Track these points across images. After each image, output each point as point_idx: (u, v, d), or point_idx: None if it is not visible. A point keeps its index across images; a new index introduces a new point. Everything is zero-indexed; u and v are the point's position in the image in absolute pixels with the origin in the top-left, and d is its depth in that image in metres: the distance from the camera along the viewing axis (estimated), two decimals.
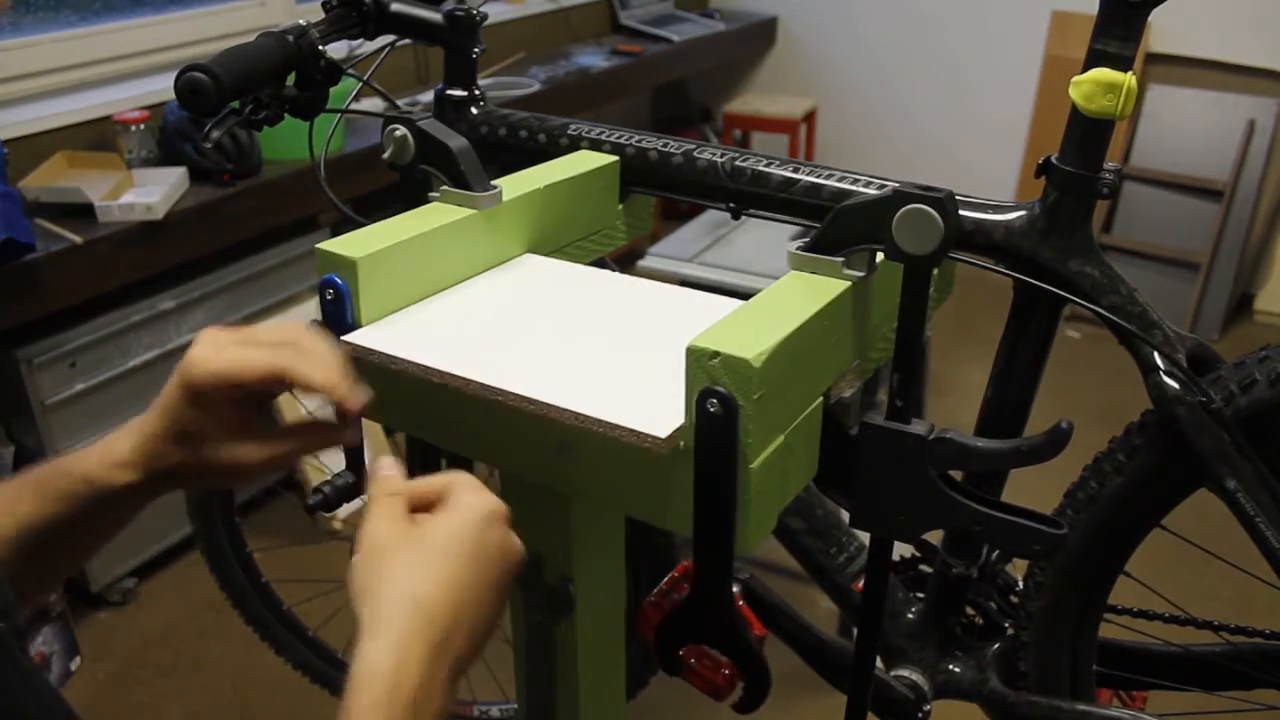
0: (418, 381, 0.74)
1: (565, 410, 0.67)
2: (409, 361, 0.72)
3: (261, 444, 0.69)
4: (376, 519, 0.59)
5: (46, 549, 0.68)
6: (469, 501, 0.60)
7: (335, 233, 1.30)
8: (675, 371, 0.64)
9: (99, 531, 0.71)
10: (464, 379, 0.70)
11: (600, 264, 1.00)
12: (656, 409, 0.65)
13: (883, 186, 0.89)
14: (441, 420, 0.78)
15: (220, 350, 0.66)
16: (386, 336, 0.75)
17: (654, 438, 0.64)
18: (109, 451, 0.68)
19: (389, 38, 1.09)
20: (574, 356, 0.74)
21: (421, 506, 0.62)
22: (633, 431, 0.64)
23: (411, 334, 0.76)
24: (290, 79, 1.00)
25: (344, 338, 0.75)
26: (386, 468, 0.63)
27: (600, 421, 0.65)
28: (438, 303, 0.83)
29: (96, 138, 2.20)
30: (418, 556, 0.57)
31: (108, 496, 0.67)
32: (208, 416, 0.66)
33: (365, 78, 1.14)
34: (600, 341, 0.77)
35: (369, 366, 0.77)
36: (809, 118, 3.88)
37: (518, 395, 0.69)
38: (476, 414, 0.74)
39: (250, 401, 0.69)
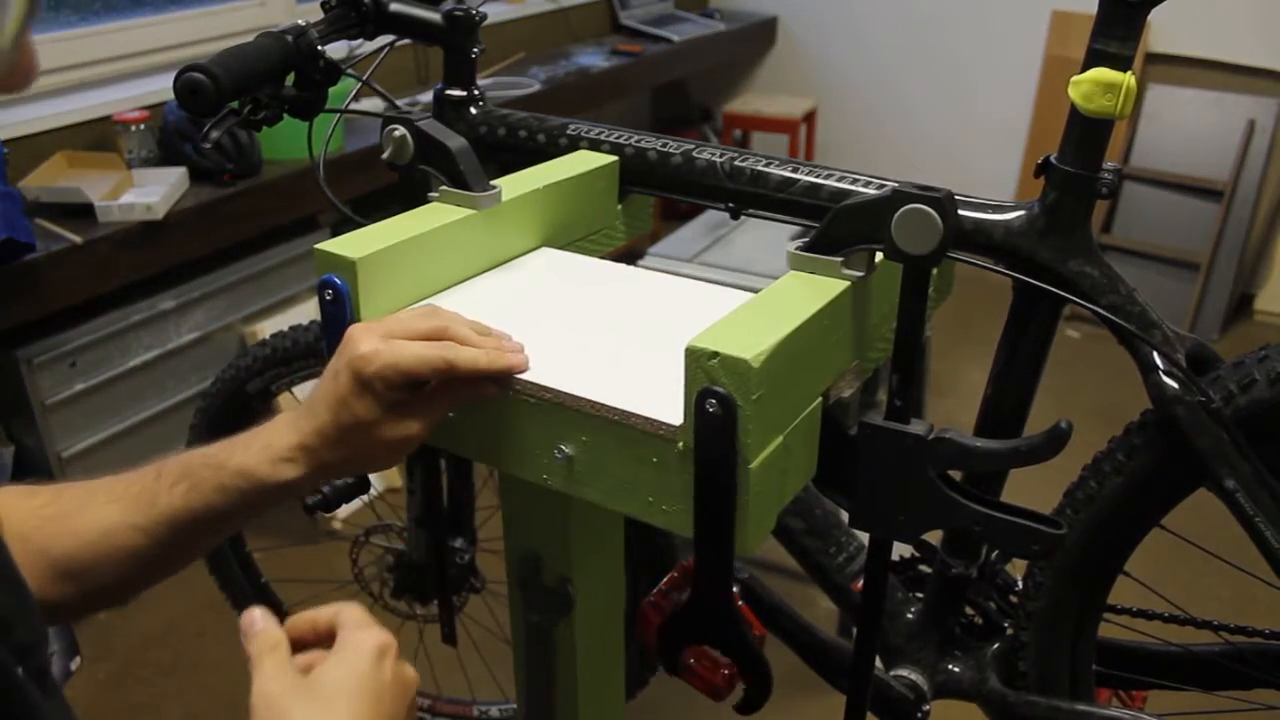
0: None
1: (581, 399, 0.67)
2: None
3: (419, 414, 0.70)
4: (264, 679, 0.56)
5: (187, 538, 0.71)
6: (358, 640, 0.58)
7: (335, 233, 1.30)
8: (681, 365, 0.64)
9: (243, 520, 0.74)
10: None
11: None
12: (667, 400, 0.66)
13: (882, 186, 0.89)
14: (442, 420, 0.78)
15: (389, 345, 0.68)
16: None
17: (668, 425, 0.64)
18: (270, 447, 0.70)
19: (388, 38, 1.09)
20: (586, 349, 0.75)
21: (308, 643, 0.60)
22: (647, 419, 0.65)
23: None
24: (289, 79, 1.00)
25: None
26: (258, 621, 0.59)
27: (615, 410, 0.66)
28: (451, 297, 0.83)
29: (96, 138, 2.20)
30: (317, 707, 0.55)
31: (269, 490, 0.70)
32: (377, 404, 0.68)
33: (364, 78, 1.14)
34: (613, 334, 0.77)
35: None
36: (809, 118, 3.88)
37: (535, 385, 0.69)
38: (477, 414, 0.74)
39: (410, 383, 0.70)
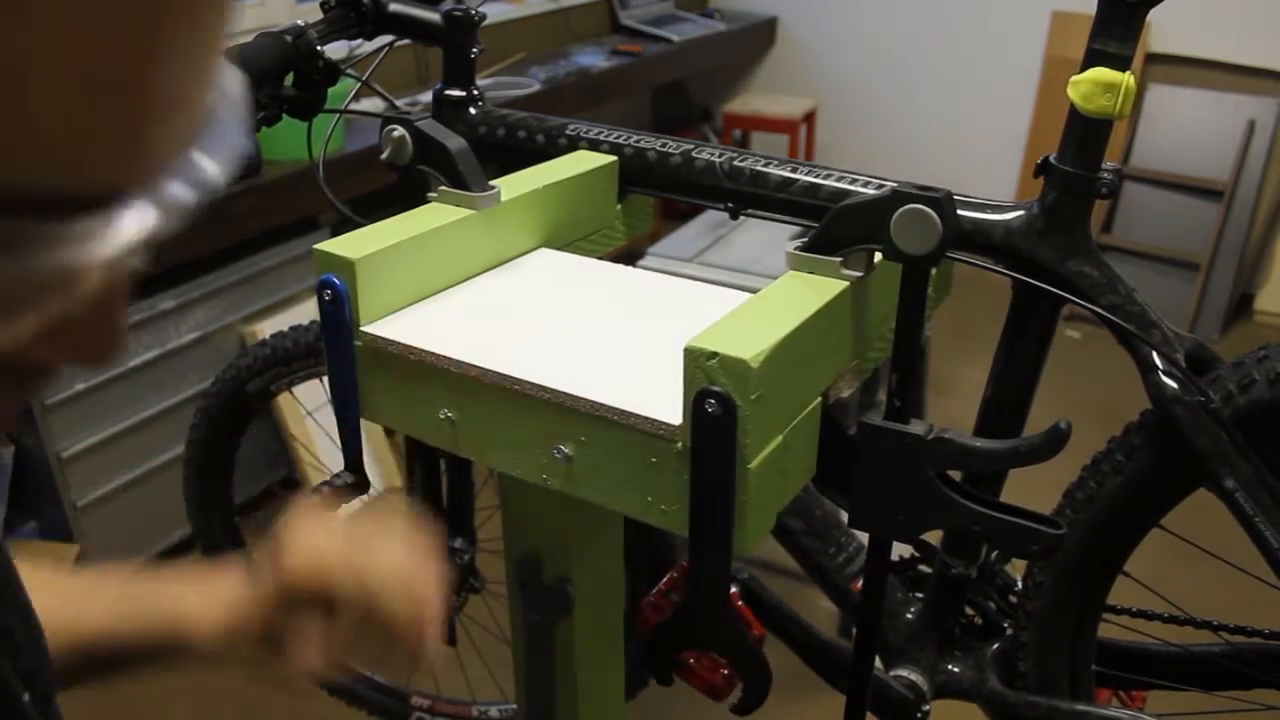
0: (420, 380, 0.74)
1: (580, 399, 0.67)
2: (426, 351, 0.73)
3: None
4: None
5: (101, 663, 0.67)
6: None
7: (335, 233, 1.30)
8: (680, 365, 0.64)
9: (167, 668, 0.69)
10: (480, 368, 0.70)
11: None
12: (666, 400, 0.66)
13: (881, 186, 0.89)
14: (441, 423, 0.78)
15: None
16: (403, 328, 0.76)
17: (667, 425, 0.64)
18: (217, 615, 0.66)
19: (387, 38, 1.09)
20: (585, 349, 0.74)
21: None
22: (647, 419, 0.65)
23: (427, 326, 0.77)
24: (289, 79, 1.00)
25: (361, 328, 0.76)
26: None
27: (614, 409, 0.66)
28: (450, 297, 0.83)
29: None
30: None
31: (201, 650, 0.66)
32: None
33: (364, 78, 1.14)
34: (612, 335, 0.77)
35: (370, 364, 0.77)
36: (809, 118, 3.88)
37: (535, 384, 0.69)
38: (476, 414, 0.74)
39: None
